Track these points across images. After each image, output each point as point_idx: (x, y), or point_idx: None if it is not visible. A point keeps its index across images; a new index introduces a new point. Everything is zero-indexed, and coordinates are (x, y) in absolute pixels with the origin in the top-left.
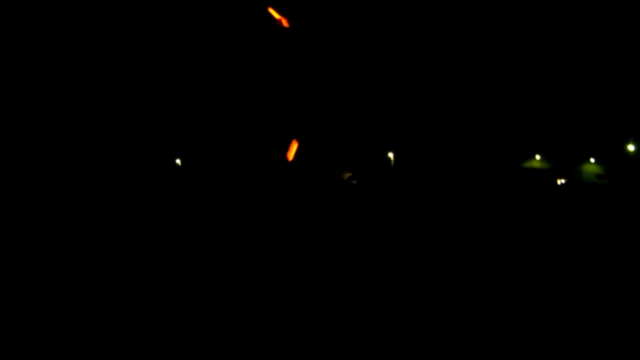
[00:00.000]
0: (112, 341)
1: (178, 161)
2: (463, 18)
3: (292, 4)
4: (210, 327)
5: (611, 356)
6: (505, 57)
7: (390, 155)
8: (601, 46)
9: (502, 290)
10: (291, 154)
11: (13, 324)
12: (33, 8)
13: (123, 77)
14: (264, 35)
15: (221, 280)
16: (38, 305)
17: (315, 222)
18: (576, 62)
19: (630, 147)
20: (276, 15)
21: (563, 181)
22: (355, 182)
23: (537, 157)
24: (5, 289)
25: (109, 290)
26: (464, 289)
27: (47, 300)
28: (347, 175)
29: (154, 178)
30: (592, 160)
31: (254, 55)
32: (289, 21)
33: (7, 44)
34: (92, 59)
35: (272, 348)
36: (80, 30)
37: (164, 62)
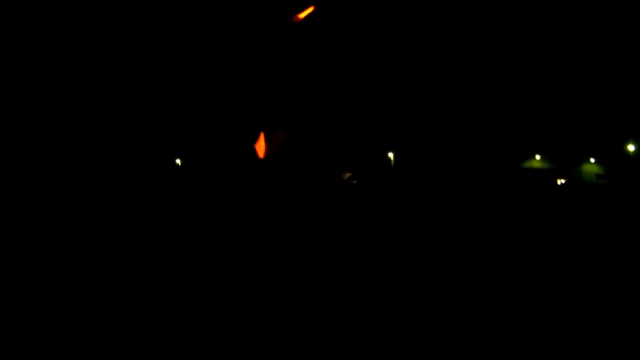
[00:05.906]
0: (111, 340)
1: (178, 161)
2: (463, 18)
3: (292, 4)
4: (210, 326)
5: (611, 356)
6: (505, 57)
7: (390, 155)
8: (601, 46)
9: (502, 290)
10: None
11: (13, 324)
12: (33, 8)
13: (123, 77)
14: (264, 35)
15: (221, 280)
16: (38, 305)
17: (315, 221)
18: (576, 62)
19: (630, 147)
20: (302, 14)
21: (563, 181)
22: (355, 182)
23: (537, 157)
24: (5, 288)
25: (108, 289)
26: (464, 289)
27: (47, 299)
28: (347, 175)
29: (154, 178)
30: (592, 160)
31: (254, 55)
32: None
33: (7, 44)
34: (92, 59)
35: (272, 348)
36: (80, 30)
37: (165, 62)
